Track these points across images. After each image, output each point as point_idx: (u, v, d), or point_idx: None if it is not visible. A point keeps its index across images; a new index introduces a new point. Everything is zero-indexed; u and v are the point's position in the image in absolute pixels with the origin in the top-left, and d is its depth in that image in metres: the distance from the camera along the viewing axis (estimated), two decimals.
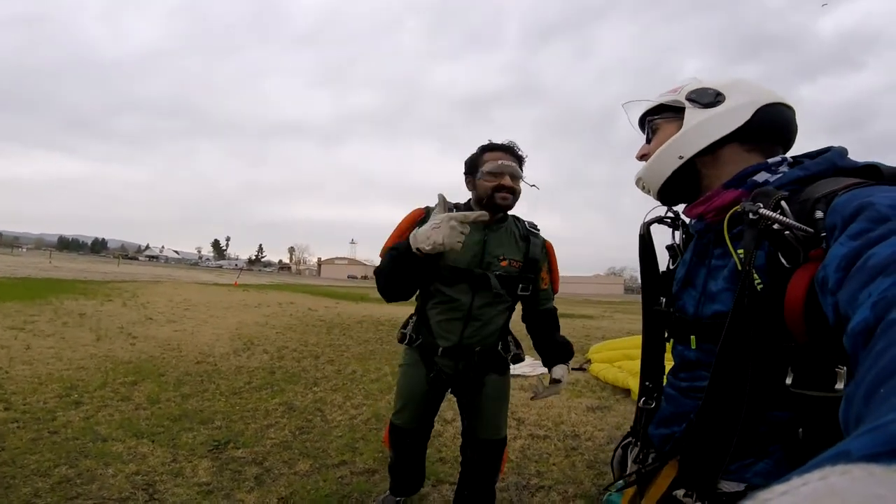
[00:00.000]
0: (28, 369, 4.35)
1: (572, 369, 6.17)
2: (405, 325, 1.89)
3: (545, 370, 6.65)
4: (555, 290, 1.95)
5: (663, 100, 0.96)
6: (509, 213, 1.80)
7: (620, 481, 1.04)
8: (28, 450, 2.64)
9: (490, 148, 1.73)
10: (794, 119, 0.90)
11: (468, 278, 1.70)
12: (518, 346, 1.93)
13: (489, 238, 1.73)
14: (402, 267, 1.54)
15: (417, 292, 1.79)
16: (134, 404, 3.62)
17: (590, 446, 3.15)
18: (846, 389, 0.38)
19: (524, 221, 1.86)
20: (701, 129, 0.88)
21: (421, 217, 1.71)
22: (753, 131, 0.86)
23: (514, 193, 1.70)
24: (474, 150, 1.77)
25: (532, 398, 1.95)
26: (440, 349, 1.75)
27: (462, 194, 1.83)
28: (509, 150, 1.71)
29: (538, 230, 1.86)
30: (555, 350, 1.91)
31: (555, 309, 1.96)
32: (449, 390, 1.90)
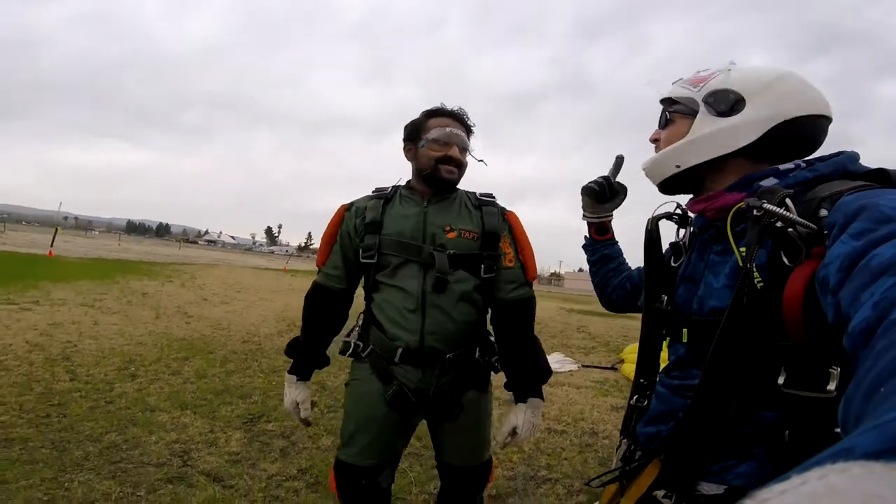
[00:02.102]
0: (94, 344, 4.79)
1: (603, 368, 6.11)
2: (349, 333, 1.53)
3: (575, 366, 6.49)
4: (529, 275, 1.51)
5: (681, 93, 0.92)
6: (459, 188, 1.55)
7: (601, 477, 1.04)
8: (86, 417, 2.95)
9: (436, 113, 1.49)
10: (824, 129, 0.85)
11: (415, 257, 1.41)
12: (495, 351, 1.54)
13: (429, 209, 1.45)
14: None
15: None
16: (183, 378, 3.93)
17: (606, 444, 3.16)
18: (847, 389, 0.37)
19: (476, 193, 1.57)
20: (705, 141, 0.85)
21: (343, 214, 1.52)
22: (764, 149, 0.82)
23: (461, 167, 1.47)
24: (418, 116, 1.52)
25: (497, 446, 1.50)
26: (398, 353, 1.39)
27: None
28: (459, 118, 1.49)
29: (494, 198, 1.56)
30: (517, 371, 1.46)
31: (529, 299, 1.49)
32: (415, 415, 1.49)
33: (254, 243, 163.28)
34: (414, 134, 1.49)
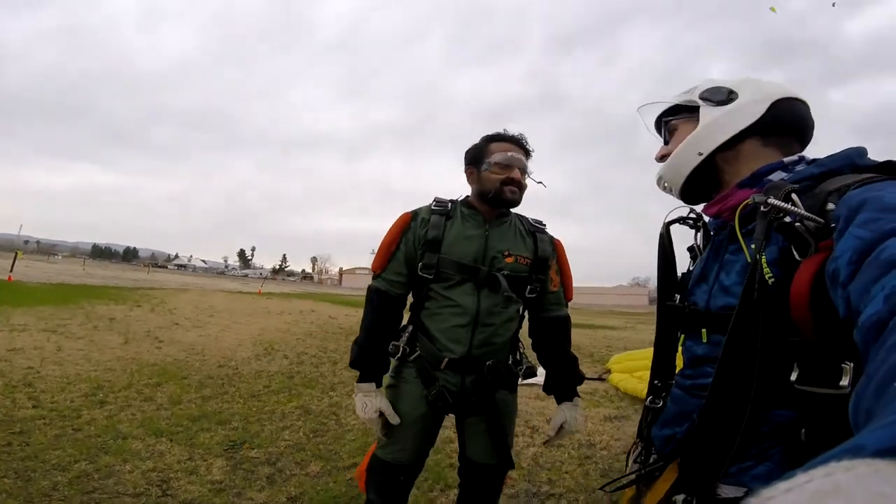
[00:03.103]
0: (58, 369, 4.50)
1: (591, 379, 6.10)
2: (397, 337, 1.60)
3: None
4: (567, 297, 1.71)
5: (677, 100, 0.98)
6: (512, 210, 1.66)
7: (616, 481, 1.02)
8: (51, 445, 2.72)
9: (498, 138, 1.60)
10: (809, 113, 0.91)
11: (472, 277, 1.51)
12: (526, 358, 1.69)
13: (491, 232, 1.57)
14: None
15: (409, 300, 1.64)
16: (156, 405, 3.71)
17: (605, 455, 3.09)
18: (857, 384, 0.37)
19: (528, 218, 1.70)
20: (717, 124, 0.90)
21: (408, 222, 1.58)
22: (770, 125, 0.87)
23: (522, 188, 1.58)
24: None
25: (545, 444, 1.75)
26: (444, 361, 1.50)
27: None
28: (518, 143, 1.60)
29: (545, 226, 1.70)
30: (562, 378, 1.66)
31: (568, 318, 1.70)
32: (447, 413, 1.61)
33: (226, 266, 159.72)
34: (476, 158, 1.60)
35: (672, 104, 1.00)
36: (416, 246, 1.55)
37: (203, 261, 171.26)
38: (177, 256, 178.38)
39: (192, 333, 7.44)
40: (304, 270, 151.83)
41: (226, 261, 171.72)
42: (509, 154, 1.55)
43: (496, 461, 1.58)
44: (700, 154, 0.91)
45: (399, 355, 1.56)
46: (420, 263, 1.53)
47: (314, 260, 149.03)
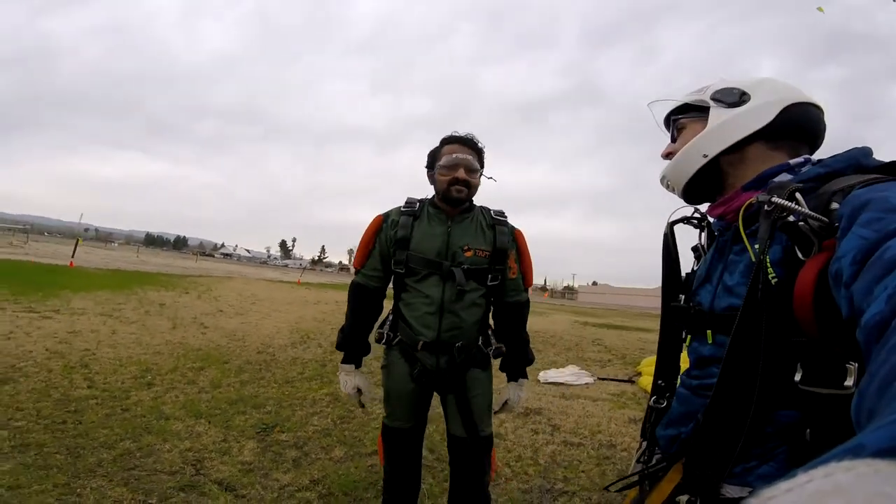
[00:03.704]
0: (112, 352, 4.84)
1: (619, 381, 6.02)
2: (382, 325, 1.83)
3: (590, 379, 6.43)
4: (527, 283, 1.87)
5: (688, 99, 0.97)
6: (475, 204, 1.82)
7: (620, 481, 1.03)
8: (101, 424, 2.96)
9: (448, 140, 1.76)
10: (822, 119, 0.90)
11: (436, 270, 1.70)
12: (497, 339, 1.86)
13: (453, 229, 1.74)
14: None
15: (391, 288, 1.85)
16: (198, 388, 3.95)
17: (624, 457, 3.08)
18: (860, 383, 0.37)
19: (490, 210, 1.84)
20: (725, 127, 0.89)
21: (380, 224, 1.77)
22: (778, 130, 0.86)
23: (469, 186, 1.72)
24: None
25: (495, 413, 1.86)
26: (420, 344, 1.71)
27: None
28: (466, 142, 1.74)
29: (506, 217, 1.84)
30: (514, 358, 1.84)
31: (525, 302, 1.87)
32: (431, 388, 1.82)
33: (268, 256, 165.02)
34: (431, 161, 1.78)
35: (681, 103, 0.99)
36: (389, 245, 1.75)
37: (247, 250, 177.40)
38: (223, 245, 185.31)
39: (235, 320, 7.80)
40: (340, 262, 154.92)
41: (268, 251, 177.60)
42: (454, 155, 1.70)
43: (476, 435, 1.75)
44: (705, 156, 0.91)
45: (385, 341, 1.79)
46: (392, 260, 1.75)
47: (350, 252, 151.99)
